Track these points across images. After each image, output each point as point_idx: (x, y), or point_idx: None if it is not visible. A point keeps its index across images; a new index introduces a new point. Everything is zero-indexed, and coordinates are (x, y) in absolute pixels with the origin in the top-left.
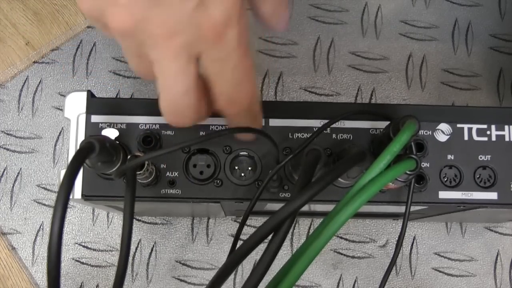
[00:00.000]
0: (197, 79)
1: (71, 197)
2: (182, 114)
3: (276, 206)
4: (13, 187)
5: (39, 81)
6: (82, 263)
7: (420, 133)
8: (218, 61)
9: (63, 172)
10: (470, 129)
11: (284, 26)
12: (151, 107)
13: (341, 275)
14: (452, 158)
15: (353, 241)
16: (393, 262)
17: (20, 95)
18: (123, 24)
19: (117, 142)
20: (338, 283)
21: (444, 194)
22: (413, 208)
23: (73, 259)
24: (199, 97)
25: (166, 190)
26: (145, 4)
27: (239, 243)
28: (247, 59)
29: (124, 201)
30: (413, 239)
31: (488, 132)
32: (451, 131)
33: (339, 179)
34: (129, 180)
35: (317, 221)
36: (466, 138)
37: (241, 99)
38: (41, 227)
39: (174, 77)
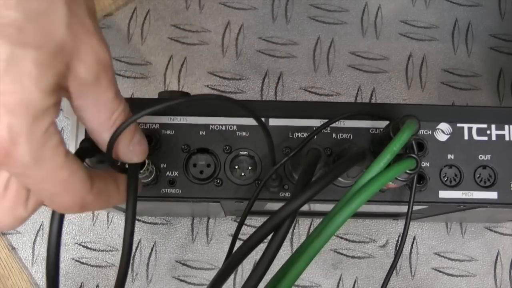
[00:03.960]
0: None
1: None
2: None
3: (276, 206)
4: None
5: None
6: (82, 263)
7: (420, 132)
8: (18, 178)
9: None
10: (470, 129)
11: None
12: None
13: (341, 275)
14: (452, 157)
15: (353, 241)
16: (395, 263)
17: None
18: None
19: None
20: (338, 283)
21: (444, 194)
22: (413, 208)
23: (73, 259)
24: (14, 203)
25: (166, 189)
26: None
27: (239, 242)
28: (55, 172)
29: (126, 200)
30: (413, 239)
31: (488, 132)
32: (451, 130)
33: (339, 178)
34: (131, 178)
35: (317, 221)
36: (466, 137)
37: (64, 208)
38: (41, 227)
39: None
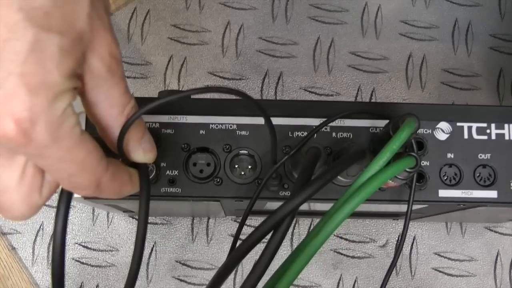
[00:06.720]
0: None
1: None
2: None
3: (276, 205)
4: None
5: None
6: (82, 263)
7: (420, 131)
8: (36, 160)
9: None
10: (470, 128)
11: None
12: None
13: (341, 275)
14: (452, 156)
15: (353, 241)
16: (394, 262)
17: None
18: None
19: None
20: (338, 283)
21: (444, 193)
22: (413, 207)
23: (73, 259)
24: (30, 189)
25: (166, 188)
26: None
27: (239, 242)
28: (73, 152)
29: (139, 197)
30: (413, 239)
31: (488, 131)
32: (451, 129)
33: (339, 177)
34: (143, 175)
35: (317, 221)
36: (466, 136)
37: (81, 188)
38: (41, 227)
39: None
